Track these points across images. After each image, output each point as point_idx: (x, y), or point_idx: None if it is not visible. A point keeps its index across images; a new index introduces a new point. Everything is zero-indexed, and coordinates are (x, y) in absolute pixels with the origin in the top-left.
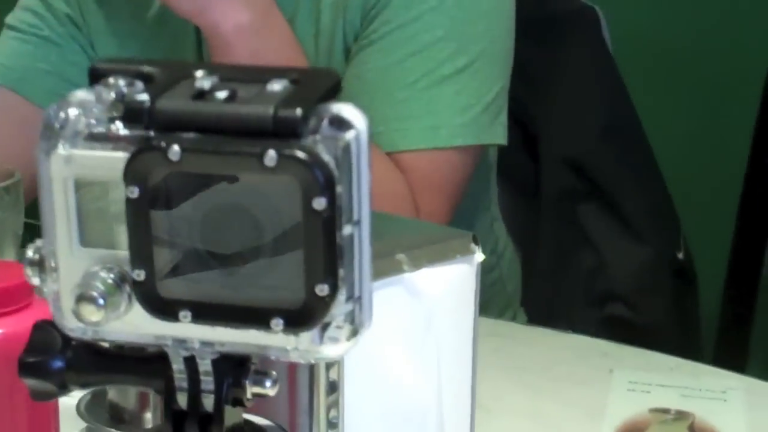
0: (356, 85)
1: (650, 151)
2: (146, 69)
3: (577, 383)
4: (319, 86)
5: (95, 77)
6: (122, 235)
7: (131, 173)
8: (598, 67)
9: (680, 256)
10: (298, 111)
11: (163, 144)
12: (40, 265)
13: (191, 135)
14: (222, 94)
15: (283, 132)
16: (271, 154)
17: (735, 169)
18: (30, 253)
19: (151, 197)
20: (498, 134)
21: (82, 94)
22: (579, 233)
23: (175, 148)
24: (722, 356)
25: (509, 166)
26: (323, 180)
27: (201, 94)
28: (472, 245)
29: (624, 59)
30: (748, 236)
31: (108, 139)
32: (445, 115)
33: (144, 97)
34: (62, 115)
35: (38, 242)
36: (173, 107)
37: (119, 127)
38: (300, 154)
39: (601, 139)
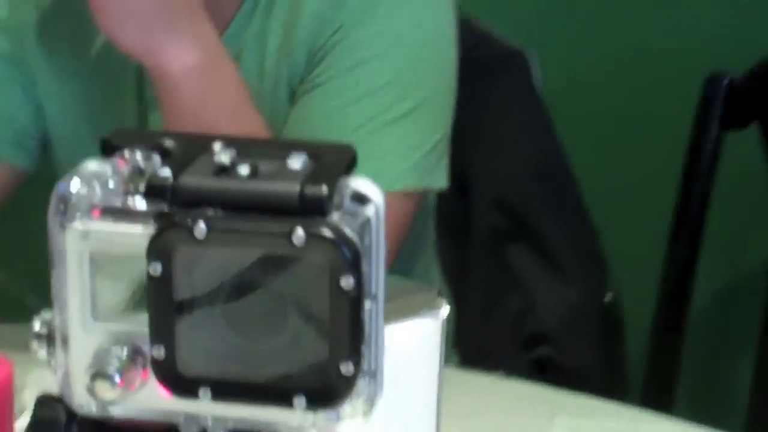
0: (300, 129)
1: (579, 193)
2: (163, 142)
3: (517, 431)
4: (338, 162)
5: (109, 149)
6: (137, 310)
7: (155, 250)
8: (527, 109)
9: (608, 298)
10: (324, 189)
11: (188, 222)
12: (48, 338)
13: (216, 212)
14: (244, 170)
15: (310, 210)
16: (299, 233)
17: (663, 211)
18: (37, 326)
19: (174, 274)
20: (440, 178)
21: (95, 167)
22: (509, 274)
23: (201, 226)
24: (650, 398)
25: (439, 206)
26: (351, 259)
27: (223, 170)
28: (438, 299)
29: (556, 102)
30: (675, 279)
31: (127, 215)
32: (389, 160)
33: (166, 172)
34: (77, 188)
35: (45, 315)
36: (197, 184)
37: (138, 202)
38: (328, 233)
39: (531, 180)
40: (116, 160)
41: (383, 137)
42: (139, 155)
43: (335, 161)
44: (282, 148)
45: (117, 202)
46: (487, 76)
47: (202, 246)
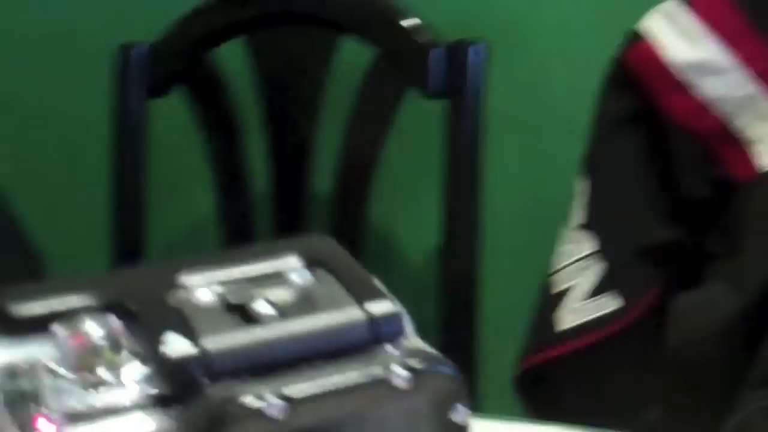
0: None
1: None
2: (104, 297)
3: None
4: (345, 259)
5: (14, 323)
6: None
7: None
8: None
9: None
10: (392, 303)
11: (256, 400)
12: None
13: (273, 379)
14: (266, 311)
15: (383, 335)
16: (399, 374)
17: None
18: None
19: None
20: None
21: (19, 355)
22: None
23: (275, 400)
24: None
25: None
26: (460, 386)
27: (243, 317)
28: None
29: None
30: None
31: (120, 411)
32: None
33: (178, 342)
34: (20, 388)
35: None
36: (229, 346)
37: (136, 391)
38: (428, 365)
39: None
40: (61, 337)
41: None
42: (91, 323)
43: (340, 258)
44: (259, 256)
45: (75, 401)
46: None
47: (282, 427)
